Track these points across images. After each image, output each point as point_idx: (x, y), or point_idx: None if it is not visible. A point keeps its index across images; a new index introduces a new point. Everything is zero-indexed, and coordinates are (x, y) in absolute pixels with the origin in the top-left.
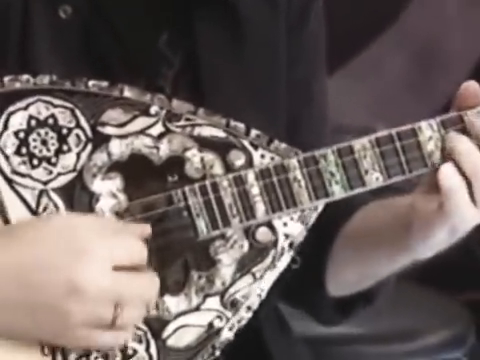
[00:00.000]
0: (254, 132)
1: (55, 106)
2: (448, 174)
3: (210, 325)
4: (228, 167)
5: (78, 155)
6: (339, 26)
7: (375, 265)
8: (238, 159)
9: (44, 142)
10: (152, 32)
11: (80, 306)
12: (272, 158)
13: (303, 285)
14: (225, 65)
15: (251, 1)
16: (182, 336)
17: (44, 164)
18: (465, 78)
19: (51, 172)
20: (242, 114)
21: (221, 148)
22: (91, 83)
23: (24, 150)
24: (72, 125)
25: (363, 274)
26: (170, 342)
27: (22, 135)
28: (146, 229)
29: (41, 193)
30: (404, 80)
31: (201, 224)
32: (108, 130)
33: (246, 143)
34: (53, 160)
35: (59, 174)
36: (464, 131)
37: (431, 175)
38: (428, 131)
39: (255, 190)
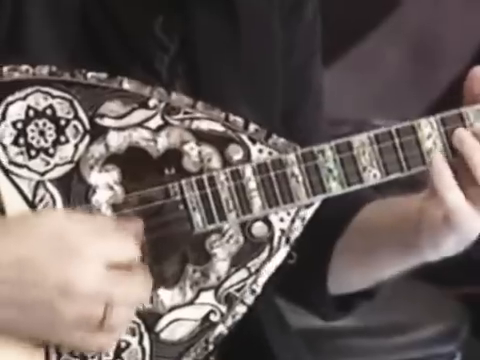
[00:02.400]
0: (252, 126)
1: (54, 97)
2: (453, 194)
3: (204, 319)
4: (226, 161)
5: (76, 146)
6: (336, 18)
7: (382, 265)
8: (236, 153)
9: (42, 133)
10: (147, 15)
11: (71, 305)
12: (270, 153)
13: (304, 282)
14: (221, 51)
15: None
16: (176, 330)
17: (41, 155)
18: (462, 71)
19: (48, 163)
20: (238, 101)
21: (219, 142)
22: (90, 74)
23: (22, 140)
24: (70, 116)
25: (368, 274)
26: (163, 335)
27: (20, 125)
28: (139, 226)
29: (38, 184)
30: (401, 73)
31: (197, 218)
32: (106, 122)
33: (244, 137)
34: (50, 151)
35: (56, 165)
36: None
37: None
38: (427, 128)
39: (252, 185)
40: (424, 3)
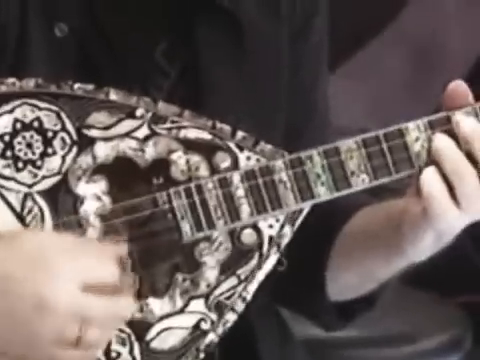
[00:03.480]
0: (240, 134)
1: (40, 109)
2: (428, 180)
3: (194, 328)
4: (213, 169)
5: (63, 158)
6: (337, 25)
7: (373, 268)
8: (224, 161)
9: (29, 145)
10: (149, 42)
11: (46, 322)
12: (258, 160)
13: (303, 289)
14: (225, 75)
15: (252, 9)
16: (166, 339)
17: (29, 167)
18: (463, 78)
19: (36, 175)
20: (240, 125)
21: (207, 150)
22: (77, 86)
23: (9, 153)
24: (57, 128)
25: (363, 277)
26: (154, 344)
27: (7, 138)
28: (122, 250)
29: (26, 196)
30: (402, 80)
31: (186, 226)
32: (93, 133)
33: (232, 145)
34: (38, 163)
35: (44, 177)
36: (451, 132)
37: (417, 178)
38: (415, 132)
39: (240, 192)
40: (425, 11)
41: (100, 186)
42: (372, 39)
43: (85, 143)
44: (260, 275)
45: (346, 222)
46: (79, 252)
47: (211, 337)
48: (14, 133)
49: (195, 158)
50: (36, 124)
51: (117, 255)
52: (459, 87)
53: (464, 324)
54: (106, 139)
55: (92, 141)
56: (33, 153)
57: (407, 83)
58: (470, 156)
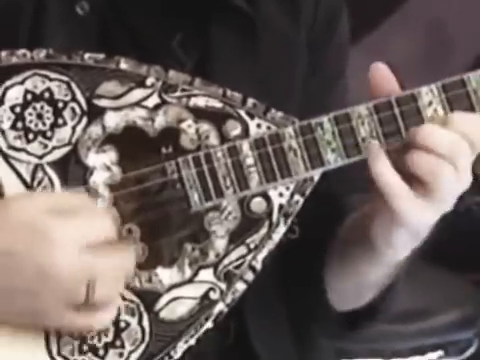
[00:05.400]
0: (250, 101)
1: (51, 79)
2: (384, 173)
3: (203, 297)
4: (223, 137)
5: (73, 128)
6: (350, 8)
7: (361, 273)
8: (234, 129)
9: (40, 116)
10: (167, 32)
11: (51, 289)
12: (268, 127)
13: (308, 296)
14: (238, 69)
15: (269, 11)
16: (175, 308)
17: (39, 138)
18: (475, 59)
19: (46, 146)
20: None
21: (217, 118)
22: (87, 56)
23: (20, 124)
24: (68, 98)
25: (357, 283)
26: (163, 314)
27: (18, 109)
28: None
29: (36, 167)
30: (411, 61)
31: (194, 196)
32: (103, 103)
33: (242, 113)
34: (48, 134)
35: (54, 148)
36: (467, 95)
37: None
38: (428, 96)
39: (250, 160)
40: None
41: (110, 156)
42: (383, 21)
43: (95, 113)
44: (270, 244)
45: (338, 228)
46: (69, 212)
47: (220, 307)
48: (25, 104)
49: (205, 126)
50: (47, 95)
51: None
52: (381, 69)
53: (477, 301)
54: (116, 109)
55: (102, 111)
56: (43, 124)
57: (416, 64)
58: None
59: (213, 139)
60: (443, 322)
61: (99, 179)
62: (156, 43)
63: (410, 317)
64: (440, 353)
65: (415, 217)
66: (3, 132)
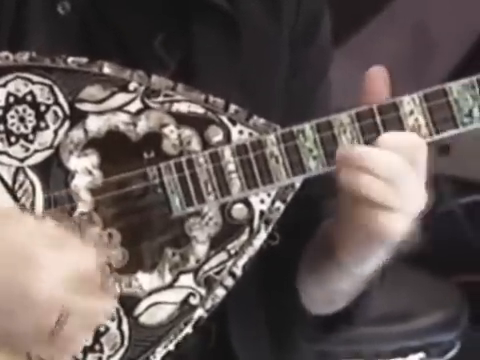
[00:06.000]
0: (233, 107)
1: (34, 83)
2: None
3: (183, 302)
4: (205, 143)
5: (55, 132)
6: (335, 8)
7: (329, 283)
8: (216, 135)
9: (22, 119)
10: (149, 32)
11: (27, 310)
12: (250, 134)
13: (283, 297)
14: (221, 71)
15: (250, 9)
16: (155, 313)
17: (21, 141)
18: (460, 60)
19: (28, 149)
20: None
21: (199, 124)
22: (70, 59)
23: (2, 127)
24: (50, 102)
25: (327, 289)
26: (142, 319)
27: (0, 112)
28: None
29: (17, 170)
30: (398, 62)
31: (175, 201)
32: (86, 107)
33: (224, 119)
34: (30, 137)
35: (36, 151)
36: (448, 105)
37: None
38: (409, 105)
39: (231, 166)
40: None
41: (91, 160)
42: (369, 22)
43: (77, 117)
44: (250, 250)
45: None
46: (65, 245)
47: (200, 312)
48: (7, 107)
49: (187, 132)
50: (29, 98)
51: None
52: (379, 72)
53: (459, 303)
54: (98, 113)
55: (84, 115)
56: (25, 127)
57: (404, 66)
58: None
59: (195, 145)
60: (425, 324)
61: (80, 183)
62: (138, 43)
63: (392, 319)
64: (422, 355)
65: (393, 227)
66: None
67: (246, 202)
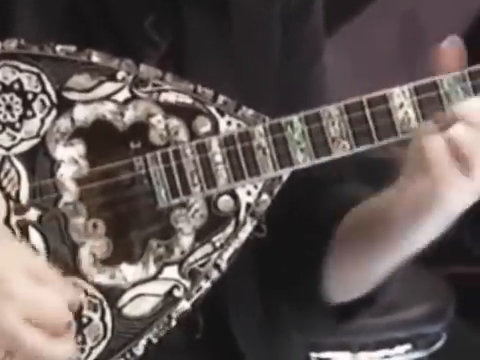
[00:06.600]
0: (221, 98)
1: (21, 71)
2: (438, 150)
3: (167, 294)
4: (193, 133)
5: (42, 121)
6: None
7: (370, 262)
8: (204, 126)
9: (9, 107)
10: (139, 13)
11: None
12: (239, 125)
13: (299, 289)
14: (212, 51)
15: None
16: (138, 305)
17: (8, 129)
18: None
19: (14, 138)
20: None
21: (187, 114)
22: (59, 48)
23: None
24: (38, 90)
25: (363, 272)
26: (126, 311)
27: None
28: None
29: (3, 159)
30: (388, 50)
31: (161, 192)
32: (73, 95)
33: (213, 109)
34: (17, 125)
35: (22, 140)
36: (439, 98)
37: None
38: (399, 98)
39: (218, 158)
40: None
41: (78, 150)
42: (362, 10)
43: (64, 106)
44: (236, 243)
45: (342, 218)
46: (38, 281)
47: (184, 304)
48: None
49: (174, 122)
50: (16, 86)
51: (73, 298)
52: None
53: (446, 295)
54: (85, 102)
55: (72, 104)
56: (12, 115)
57: (396, 52)
58: None
59: (182, 135)
60: (411, 316)
61: (66, 172)
62: (129, 24)
63: (379, 311)
64: (408, 346)
65: (458, 198)
66: None
67: (232, 194)
